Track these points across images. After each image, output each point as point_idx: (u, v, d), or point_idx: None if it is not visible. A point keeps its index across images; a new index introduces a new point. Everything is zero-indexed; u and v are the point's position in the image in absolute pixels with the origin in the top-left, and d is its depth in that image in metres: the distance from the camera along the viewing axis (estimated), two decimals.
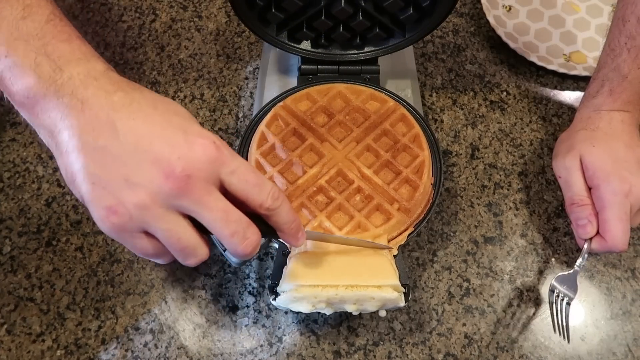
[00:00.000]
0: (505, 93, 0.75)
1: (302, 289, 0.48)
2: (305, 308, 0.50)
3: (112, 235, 0.39)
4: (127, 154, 0.38)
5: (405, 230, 0.55)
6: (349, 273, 0.49)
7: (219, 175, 0.39)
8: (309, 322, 0.58)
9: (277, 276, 0.51)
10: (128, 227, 0.38)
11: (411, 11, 0.59)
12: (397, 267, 0.51)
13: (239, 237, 0.40)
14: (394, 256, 0.52)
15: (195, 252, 0.40)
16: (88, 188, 0.38)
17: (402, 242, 0.54)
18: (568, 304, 0.56)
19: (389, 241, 0.53)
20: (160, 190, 0.37)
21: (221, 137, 0.70)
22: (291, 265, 0.50)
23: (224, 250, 0.52)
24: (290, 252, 0.52)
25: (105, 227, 0.38)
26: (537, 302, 0.61)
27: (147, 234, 0.39)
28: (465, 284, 0.61)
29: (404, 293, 0.50)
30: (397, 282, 0.49)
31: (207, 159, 0.38)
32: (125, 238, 0.39)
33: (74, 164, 0.38)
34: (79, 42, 0.41)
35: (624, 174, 0.56)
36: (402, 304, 0.50)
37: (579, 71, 0.75)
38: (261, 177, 0.41)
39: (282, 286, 0.50)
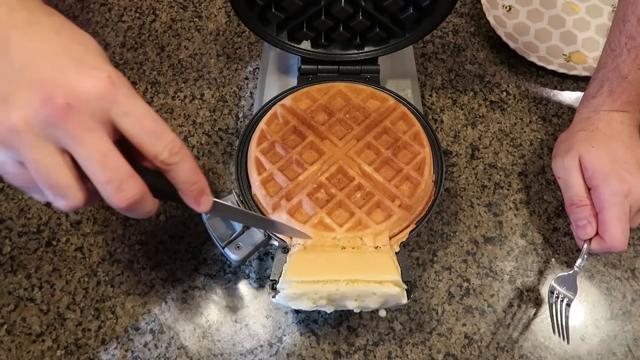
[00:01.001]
0: (505, 93, 0.75)
1: (302, 285, 0.48)
2: (305, 305, 0.50)
3: None
4: (13, 72, 0.35)
5: (407, 227, 0.55)
6: (349, 268, 0.49)
7: (110, 115, 0.36)
8: (309, 322, 0.58)
9: (277, 273, 0.51)
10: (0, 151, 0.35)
11: (411, 11, 0.59)
12: (399, 264, 0.51)
13: (113, 186, 0.36)
14: (396, 253, 0.52)
15: (66, 193, 0.36)
16: None
17: (404, 239, 0.54)
18: (568, 304, 0.56)
19: (390, 238, 0.53)
20: (36, 116, 0.34)
21: (221, 137, 0.70)
22: (291, 261, 0.50)
23: (224, 249, 0.52)
24: (290, 249, 0.52)
25: None
26: (537, 302, 0.61)
27: (21, 163, 0.36)
28: (465, 284, 0.61)
29: (406, 290, 0.50)
30: (398, 277, 0.49)
31: (96, 93, 0.35)
32: None
33: None
34: None
35: (623, 174, 0.56)
36: (405, 301, 0.50)
37: (579, 71, 0.76)
38: (162, 125, 0.37)
39: (282, 283, 0.49)
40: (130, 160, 0.37)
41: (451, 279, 0.62)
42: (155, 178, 0.38)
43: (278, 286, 0.50)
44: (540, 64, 0.75)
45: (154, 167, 0.39)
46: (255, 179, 0.56)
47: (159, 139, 0.37)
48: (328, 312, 0.51)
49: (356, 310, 0.50)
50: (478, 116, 0.73)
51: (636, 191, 0.56)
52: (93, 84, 0.35)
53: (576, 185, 0.59)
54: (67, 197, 0.36)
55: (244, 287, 0.60)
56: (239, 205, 0.54)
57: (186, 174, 0.39)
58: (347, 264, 0.50)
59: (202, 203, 0.41)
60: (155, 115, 0.37)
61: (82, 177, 0.36)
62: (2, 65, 0.35)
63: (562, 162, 0.60)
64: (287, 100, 0.61)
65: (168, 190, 0.39)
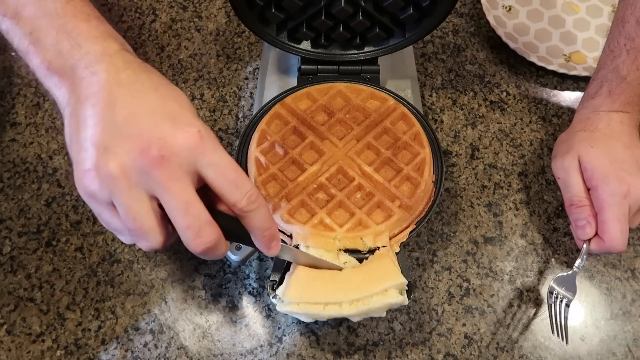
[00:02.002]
0: (505, 93, 0.75)
1: (303, 306, 0.48)
2: (305, 319, 0.50)
3: (85, 198, 0.40)
4: (115, 126, 0.39)
5: (407, 227, 0.55)
6: (352, 287, 0.49)
7: (196, 165, 0.39)
8: (309, 323, 0.58)
9: (277, 274, 0.51)
10: (98, 195, 0.39)
11: (411, 11, 0.59)
12: (399, 264, 0.51)
13: (193, 232, 0.39)
14: (396, 253, 0.52)
15: (147, 236, 0.40)
16: (75, 150, 0.40)
17: (404, 240, 0.54)
18: (567, 305, 0.56)
19: (390, 238, 0.53)
20: (133, 164, 0.38)
21: (221, 137, 0.70)
22: (292, 278, 0.50)
23: None
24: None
25: (79, 189, 0.40)
26: (537, 303, 0.61)
27: (114, 207, 0.40)
28: (465, 284, 0.61)
29: (407, 290, 0.50)
30: (402, 280, 0.49)
31: (187, 146, 0.39)
32: (95, 206, 0.40)
33: (70, 127, 0.41)
34: (96, 21, 0.44)
35: (622, 174, 0.56)
36: (406, 301, 0.50)
37: (579, 71, 0.76)
38: (242, 176, 0.41)
39: (284, 295, 0.49)
40: (208, 204, 0.40)
41: (451, 279, 0.62)
42: (230, 222, 0.42)
43: (278, 295, 0.50)
44: (540, 64, 0.75)
45: (229, 212, 0.42)
46: (255, 179, 0.56)
47: (239, 188, 0.40)
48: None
49: (356, 320, 0.51)
50: (478, 116, 0.73)
51: (635, 191, 0.56)
52: (184, 138, 0.39)
53: (575, 185, 0.59)
54: (148, 239, 0.40)
55: (243, 288, 0.60)
56: None
57: (260, 221, 0.42)
58: (349, 282, 0.49)
59: (272, 247, 0.44)
60: (236, 166, 0.41)
61: (165, 220, 0.40)
62: (107, 119, 0.39)
63: (562, 162, 0.60)
64: (287, 101, 0.61)
65: (240, 234, 0.43)
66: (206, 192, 0.41)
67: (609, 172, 0.56)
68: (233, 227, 0.42)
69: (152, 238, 0.40)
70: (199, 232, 0.39)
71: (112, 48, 0.42)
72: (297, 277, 0.50)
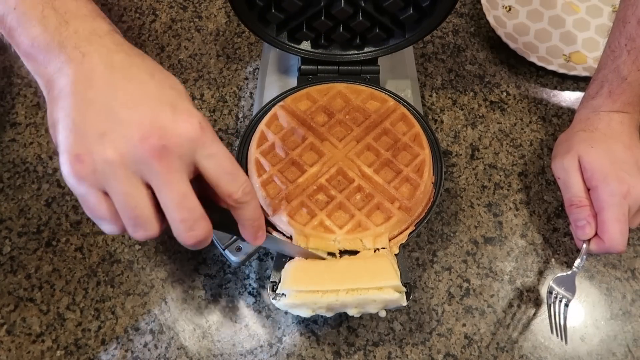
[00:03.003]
0: (505, 93, 0.75)
1: (301, 295, 0.48)
2: (305, 313, 0.50)
3: (71, 182, 0.38)
4: (113, 110, 0.38)
5: (406, 229, 0.55)
6: (349, 277, 0.49)
7: (195, 157, 0.39)
8: (309, 323, 0.58)
9: (276, 275, 0.51)
10: (89, 180, 0.38)
11: (411, 11, 0.59)
12: (398, 266, 0.51)
13: (185, 226, 0.39)
14: (395, 255, 0.52)
15: (146, 225, 0.39)
16: (65, 134, 0.38)
17: (403, 241, 0.54)
18: (566, 305, 0.56)
19: (390, 240, 0.53)
20: (132, 152, 0.37)
21: (221, 137, 0.70)
22: (290, 268, 0.50)
23: (224, 250, 0.52)
24: None
25: (67, 172, 0.38)
26: (537, 303, 0.61)
27: (105, 194, 0.39)
28: (465, 285, 0.61)
29: (406, 292, 0.50)
30: (398, 282, 0.49)
31: (188, 136, 0.38)
32: (83, 191, 0.38)
33: (60, 109, 0.39)
34: (85, 1, 0.42)
35: (622, 175, 0.56)
36: (404, 303, 0.50)
37: (579, 71, 0.75)
38: (237, 168, 0.41)
39: (281, 289, 0.49)
40: (199, 193, 0.40)
41: (451, 280, 0.62)
42: (219, 213, 0.42)
43: (278, 291, 0.50)
44: (540, 64, 0.75)
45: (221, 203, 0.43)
46: (255, 181, 0.56)
47: (235, 180, 0.41)
48: (328, 316, 0.51)
49: (356, 315, 0.51)
50: (478, 116, 0.73)
51: (635, 192, 0.56)
52: (186, 129, 0.38)
53: (575, 185, 0.59)
54: (145, 228, 0.39)
55: (244, 288, 0.60)
56: None
57: (251, 212, 0.43)
58: (346, 272, 0.50)
59: (258, 237, 0.45)
60: (232, 158, 0.41)
61: (159, 209, 0.39)
62: (102, 103, 0.38)
63: (562, 162, 0.60)
64: (287, 101, 0.61)
65: (228, 224, 0.44)
66: (198, 183, 0.41)
67: (609, 172, 0.56)
68: (222, 217, 0.43)
69: (149, 227, 0.39)
70: (192, 225, 0.39)
71: (102, 29, 0.41)
72: (294, 267, 0.50)
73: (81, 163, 0.37)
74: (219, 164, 0.40)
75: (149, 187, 0.39)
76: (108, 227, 0.40)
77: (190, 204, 0.39)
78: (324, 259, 0.52)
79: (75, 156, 0.38)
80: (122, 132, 0.38)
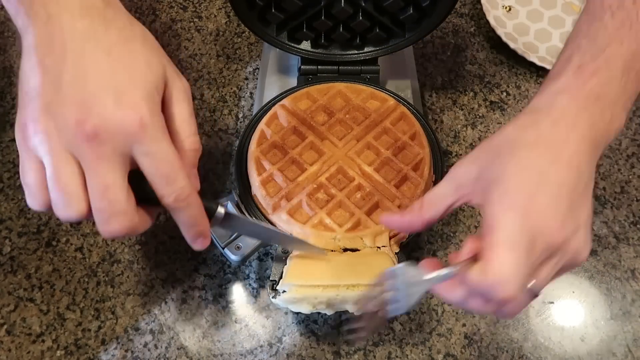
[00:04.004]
0: (505, 93, 0.76)
1: (301, 290, 0.48)
2: (305, 309, 0.50)
3: (17, 139, 0.40)
4: (61, 85, 0.38)
5: None
6: (350, 273, 0.49)
7: (131, 150, 0.38)
8: (309, 323, 0.58)
9: (276, 274, 0.51)
10: (28, 147, 0.39)
11: (411, 11, 0.59)
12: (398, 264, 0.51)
13: (103, 216, 0.38)
14: (396, 253, 0.52)
15: (71, 202, 0.38)
16: (20, 95, 0.40)
17: (404, 240, 0.54)
18: (390, 306, 0.41)
19: (390, 238, 0.53)
20: (67, 131, 0.37)
21: (221, 137, 0.70)
22: (291, 264, 0.50)
23: (224, 249, 0.52)
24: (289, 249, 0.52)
25: (17, 129, 0.40)
26: (537, 303, 0.61)
27: (42, 164, 0.39)
28: None
29: None
30: None
31: (124, 130, 0.37)
32: (22, 155, 0.39)
33: (23, 67, 0.40)
34: None
35: (522, 201, 0.38)
36: None
37: None
38: (176, 172, 0.39)
39: (282, 285, 0.49)
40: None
41: None
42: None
43: (278, 287, 0.50)
44: (540, 64, 0.75)
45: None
46: (255, 180, 0.56)
47: (169, 184, 0.39)
48: (328, 314, 0.51)
49: (356, 313, 0.50)
50: (478, 116, 0.73)
51: (542, 225, 0.38)
52: (123, 121, 0.37)
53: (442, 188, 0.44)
54: (70, 204, 0.38)
55: (243, 288, 0.60)
56: (239, 207, 0.54)
57: (187, 219, 0.42)
58: (347, 268, 0.50)
59: (197, 243, 0.44)
60: (173, 160, 0.39)
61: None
62: (55, 75, 0.38)
63: (465, 165, 0.43)
64: (287, 101, 0.61)
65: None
66: None
67: (511, 190, 0.39)
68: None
69: (74, 204, 0.38)
70: (108, 218, 0.38)
71: None
72: (295, 263, 0.50)
73: (23, 131, 0.39)
74: (154, 164, 0.39)
75: (82, 170, 0.38)
76: (32, 200, 0.40)
77: (112, 195, 0.38)
78: (324, 253, 0.52)
79: (22, 124, 0.39)
80: (63, 109, 0.38)
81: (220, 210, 0.44)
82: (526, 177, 0.39)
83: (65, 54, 0.38)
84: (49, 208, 0.39)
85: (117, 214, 0.38)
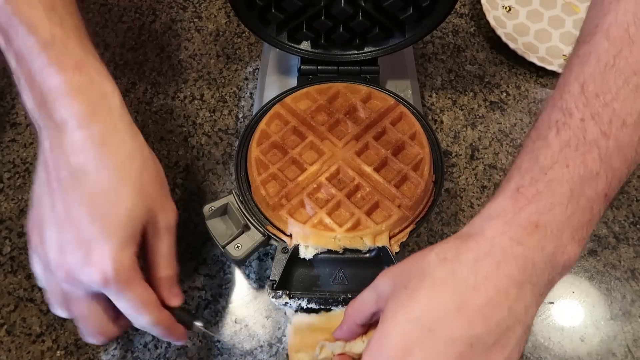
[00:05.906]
0: (505, 94, 0.76)
1: (301, 356, 0.50)
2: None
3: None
4: (53, 214, 0.43)
5: (407, 227, 0.55)
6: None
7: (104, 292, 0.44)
8: None
9: (276, 274, 0.51)
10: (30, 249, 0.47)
11: (411, 11, 0.59)
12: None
13: (84, 331, 0.47)
14: (396, 253, 0.52)
15: (55, 310, 0.48)
16: (32, 193, 0.46)
17: (404, 239, 0.54)
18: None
19: (390, 238, 0.53)
20: (49, 267, 0.44)
21: (221, 137, 0.70)
22: (294, 328, 0.52)
23: (224, 249, 0.52)
24: (289, 250, 0.52)
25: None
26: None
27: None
28: None
29: None
30: None
31: (91, 282, 0.42)
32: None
33: (37, 169, 0.46)
34: (72, 72, 0.43)
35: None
36: None
37: None
38: (139, 311, 0.45)
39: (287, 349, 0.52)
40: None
41: None
42: (171, 311, 0.49)
43: (278, 296, 0.51)
44: (540, 64, 0.75)
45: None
46: (255, 179, 0.56)
47: (134, 319, 0.46)
48: None
49: None
50: (478, 117, 0.73)
51: None
52: (89, 277, 0.42)
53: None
54: (55, 311, 0.48)
55: (243, 288, 0.60)
56: (239, 206, 0.54)
57: (158, 334, 0.48)
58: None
59: (177, 342, 0.54)
60: (135, 304, 0.44)
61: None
62: (50, 204, 0.44)
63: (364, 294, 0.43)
64: (286, 101, 0.61)
65: (179, 321, 0.50)
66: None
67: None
68: (175, 315, 0.49)
69: (58, 311, 0.47)
70: (87, 335, 0.47)
71: (77, 114, 0.42)
72: (299, 329, 0.52)
73: (29, 235, 0.46)
74: (119, 305, 0.45)
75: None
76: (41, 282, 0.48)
77: (89, 322, 0.46)
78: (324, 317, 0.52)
79: (29, 227, 0.46)
80: (46, 245, 0.43)
81: (197, 324, 0.50)
82: (409, 329, 0.36)
83: (55, 188, 0.43)
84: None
85: (95, 333, 0.47)
